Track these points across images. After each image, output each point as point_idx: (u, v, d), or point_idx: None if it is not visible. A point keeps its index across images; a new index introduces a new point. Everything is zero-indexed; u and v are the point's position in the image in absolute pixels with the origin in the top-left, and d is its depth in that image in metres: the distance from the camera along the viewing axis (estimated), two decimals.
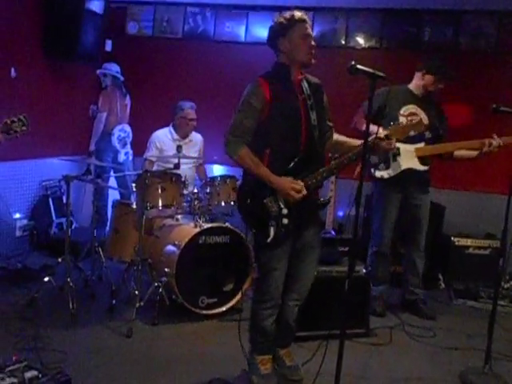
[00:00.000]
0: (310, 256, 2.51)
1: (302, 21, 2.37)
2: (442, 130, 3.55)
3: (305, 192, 2.31)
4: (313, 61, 2.37)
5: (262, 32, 5.04)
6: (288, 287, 2.51)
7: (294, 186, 2.30)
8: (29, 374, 2.17)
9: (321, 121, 2.44)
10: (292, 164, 2.35)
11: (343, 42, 4.87)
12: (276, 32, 2.39)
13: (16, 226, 4.33)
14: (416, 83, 3.57)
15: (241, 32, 5.11)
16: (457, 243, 4.28)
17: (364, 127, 3.37)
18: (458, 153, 3.49)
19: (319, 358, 2.40)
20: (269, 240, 2.34)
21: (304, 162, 2.36)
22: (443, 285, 4.30)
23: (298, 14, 2.38)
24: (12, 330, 2.87)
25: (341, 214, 4.77)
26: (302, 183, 2.33)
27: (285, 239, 2.38)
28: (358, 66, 1.99)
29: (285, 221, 2.34)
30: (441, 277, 4.32)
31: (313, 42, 2.37)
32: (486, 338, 2.75)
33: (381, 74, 1.90)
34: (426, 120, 3.49)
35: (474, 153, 3.38)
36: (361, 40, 4.84)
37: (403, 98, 3.54)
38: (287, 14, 2.37)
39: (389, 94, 3.47)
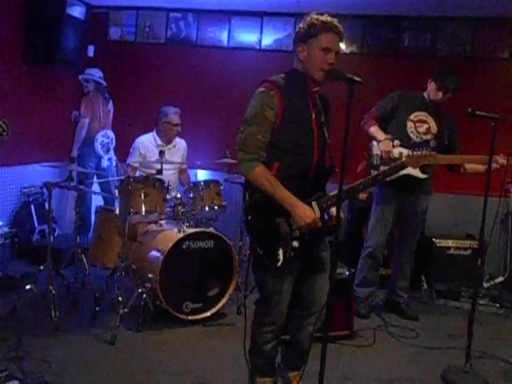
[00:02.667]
0: (323, 278, 2.33)
1: (331, 30, 2.11)
2: (449, 141, 3.55)
3: (320, 223, 2.14)
4: (325, 80, 2.15)
5: (244, 37, 5.09)
6: (305, 311, 2.38)
7: (316, 218, 2.11)
8: None
9: (329, 137, 2.27)
10: (304, 183, 2.18)
11: None
12: (299, 36, 2.18)
13: None
14: (427, 91, 3.57)
15: (223, 37, 5.13)
16: (438, 244, 4.35)
17: (371, 129, 3.46)
18: (468, 166, 3.47)
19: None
20: (279, 264, 2.15)
21: (315, 181, 2.22)
22: (425, 285, 4.37)
23: (329, 21, 2.12)
24: None
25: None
26: (317, 208, 2.17)
27: (294, 263, 2.20)
28: (337, 71, 2.02)
29: (295, 244, 2.15)
30: (423, 277, 4.39)
31: (332, 59, 2.12)
32: (467, 337, 2.79)
33: (357, 78, 1.92)
34: (434, 129, 3.52)
35: (483, 167, 3.33)
36: (342, 45, 4.89)
37: (415, 103, 3.55)
38: (319, 18, 2.12)
39: (401, 98, 3.51)
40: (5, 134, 2.66)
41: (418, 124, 3.52)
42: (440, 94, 3.47)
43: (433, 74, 3.53)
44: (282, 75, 2.22)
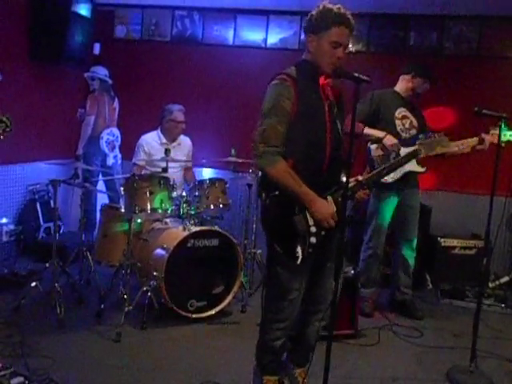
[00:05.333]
0: (330, 275, 2.29)
1: (343, 24, 2.08)
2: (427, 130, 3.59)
3: (336, 217, 2.13)
4: (332, 74, 2.13)
5: (250, 35, 5.08)
6: (314, 307, 2.39)
7: (334, 214, 2.11)
8: (15, 381, 2.17)
9: (341, 129, 2.26)
10: (318, 177, 2.16)
11: None
12: (310, 26, 2.14)
13: (3, 231, 4.28)
14: (403, 86, 3.61)
15: (229, 35, 5.12)
16: (443, 244, 4.32)
17: (365, 130, 3.45)
18: (454, 150, 3.47)
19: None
20: (298, 261, 2.14)
21: (329, 175, 2.20)
22: (430, 285, 4.35)
23: (341, 13, 2.08)
24: None
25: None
26: (332, 201, 2.17)
27: (310, 259, 2.19)
28: (343, 70, 2.01)
29: (313, 240, 2.14)
30: (428, 277, 4.37)
31: (341, 53, 2.12)
32: (472, 336, 2.78)
33: (364, 77, 1.91)
34: (415, 122, 3.56)
35: (456, 149, 3.39)
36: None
37: (395, 101, 3.58)
38: (332, 8, 2.07)
39: (380, 98, 3.51)
40: (8, 129, 2.66)
41: (403, 121, 3.56)
42: (428, 86, 3.56)
43: (413, 70, 3.56)
44: (293, 67, 2.18)
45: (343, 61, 2.13)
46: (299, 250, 2.13)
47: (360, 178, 2.25)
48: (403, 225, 3.68)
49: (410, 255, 3.69)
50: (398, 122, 3.53)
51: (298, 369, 2.52)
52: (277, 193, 2.15)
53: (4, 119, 2.60)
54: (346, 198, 1.99)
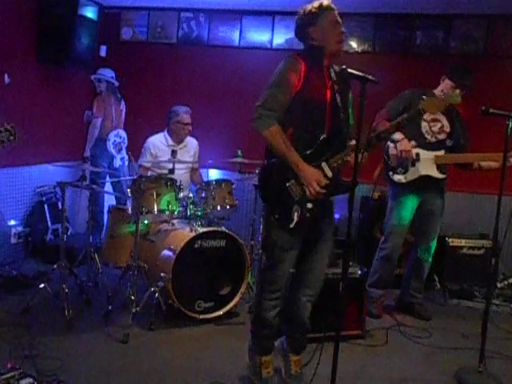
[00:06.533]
0: (323, 249, 2.45)
1: (331, 8, 2.34)
2: (463, 139, 3.52)
3: (325, 182, 2.24)
4: (342, 49, 2.36)
5: (255, 36, 5.08)
6: (301, 281, 2.48)
7: (319, 179, 2.23)
8: (24, 382, 2.17)
9: (345, 107, 2.39)
10: (315, 147, 2.28)
11: None
12: (306, 21, 2.36)
13: (11, 232, 4.32)
14: (439, 88, 3.54)
15: (235, 36, 5.13)
16: (451, 244, 4.31)
17: (380, 127, 3.42)
18: (484, 163, 3.46)
19: (316, 360, 2.40)
20: (292, 225, 2.25)
21: (327, 145, 2.29)
22: (438, 285, 4.33)
23: (325, 2, 2.35)
24: (7, 338, 2.86)
25: (336, 216, 4.78)
26: (327, 169, 2.27)
27: (304, 226, 2.30)
28: (349, 70, 2.01)
29: (309, 205, 2.26)
30: (436, 277, 4.35)
31: (342, 29, 2.34)
32: (480, 337, 2.76)
33: (371, 77, 1.91)
34: (447, 127, 3.50)
35: (495, 164, 3.34)
36: (354, 44, 4.87)
37: None
38: (315, 3, 2.35)
39: (413, 97, 3.45)
40: (12, 138, 2.70)
41: (432, 123, 3.48)
42: (457, 92, 3.43)
43: (448, 72, 3.49)
44: (301, 51, 2.39)
45: (345, 37, 2.37)
46: (295, 214, 2.26)
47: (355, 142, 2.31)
48: (422, 229, 3.63)
49: (425, 260, 3.65)
50: (424, 124, 3.47)
51: (294, 356, 2.58)
52: (274, 160, 2.30)
53: (9, 128, 2.64)
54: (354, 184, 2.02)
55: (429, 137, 3.47)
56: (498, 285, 4.21)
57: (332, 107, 2.32)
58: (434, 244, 3.65)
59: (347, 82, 2.42)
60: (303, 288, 2.48)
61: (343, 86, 2.39)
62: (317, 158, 2.28)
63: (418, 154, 3.43)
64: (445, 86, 3.48)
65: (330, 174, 2.27)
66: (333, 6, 2.36)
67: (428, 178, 3.43)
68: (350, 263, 3.07)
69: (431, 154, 3.44)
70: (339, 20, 2.34)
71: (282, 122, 2.27)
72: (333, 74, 2.38)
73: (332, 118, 2.31)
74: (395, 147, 3.43)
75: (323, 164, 2.28)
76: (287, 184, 2.27)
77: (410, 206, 3.54)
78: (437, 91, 3.54)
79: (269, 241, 2.40)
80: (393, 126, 2.34)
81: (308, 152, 2.27)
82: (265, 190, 2.39)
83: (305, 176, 2.23)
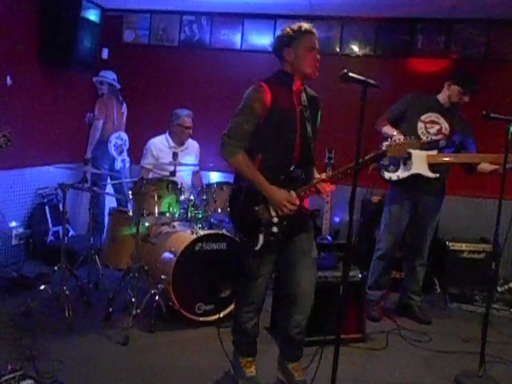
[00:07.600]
0: (304, 261, 2.45)
1: (309, 33, 2.38)
2: (463, 143, 3.53)
3: (298, 203, 2.31)
4: (315, 74, 2.39)
5: (257, 39, 5.10)
6: (289, 300, 2.47)
7: (290, 199, 2.30)
8: (24, 383, 2.17)
9: (313, 133, 2.45)
10: (285, 175, 2.34)
11: (338, 50, 4.93)
12: (282, 42, 2.41)
13: (12, 234, 4.32)
14: (443, 93, 3.55)
15: (236, 40, 5.15)
16: (452, 247, 4.31)
17: (383, 128, 3.46)
18: (481, 166, 3.45)
19: (316, 364, 2.41)
20: (257, 247, 2.34)
21: (296, 175, 2.37)
22: (439, 289, 4.33)
23: (305, 25, 2.38)
24: (7, 339, 2.86)
25: (337, 219, 4.81)
26: (295, 195, 2.33)
27: (273, 247, 2.38)
28: (350, 74, 2.01)
29: (274, 229, 2.34)
30: (436, 281, 4.35)
31: (317, 56, 2.38)
32: (480, 341, 2.76)
33: (372, 81, 1.91)
34: (446, 130, 3.50)
35: (496, 167, 3.31)
36: (355, 48, 4.89)
37: (428, 105, 3.53)
38: (295, 26, 2.39)
39: (413, 100, 3.50)
40: (9, 143, 2.73)
41: (428, 125, 3.51)
42: (466, 98, 3.47)
43: (454, 78, 3.50)
44: (271, 75, 2.46)
45: (319, 63, 2.38)
46: (261, 238, 2.33)
47: (324, 175, 2.42)
48: (415, 230, 3.64)
49: (419, 264, 3.66)
50: (420, 125, 3.49)
51: (291, 363, 2.60)
52: (242, 184, 2.38)
53: (6, 134, 2.66)
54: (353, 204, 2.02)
55: (424, 137, 3.49)
56: (499, 289, 4.21)
57: (301, 136, 2.37)
58: (426, 246, 3.65)
59: (316, 103, 2.50)
60: (293, 307, 2.48)
61: (312, 110, 2.45)
62: (286, 186, 2.34)
63: (409, 153, 3.44)
64: (452, 92, 3.49)
65: (297, 202, 2.33)
66: (313, 30, 2.39)
67: (420, 177, 3.44)
68: (351, 266, 3.08)
69: (424, 154, 3.45)
70: (316, 45, 2.38)
71: (252, 148, 2.35)
72: (304, 99, 2.42)
73: (301, 147, 2.37)
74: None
75: (291, 192, 2.34)
76: (256, 208, 2.34)
77: (403, 205, 3.56)
78: (441, 97, 3.55)
79: (241, 261, 2.49)
80: (349, 168, 2.32)
81: (277, 180, 2.32)
82: (233, 212, 2.47)
83: (276, 199, 2.30)
